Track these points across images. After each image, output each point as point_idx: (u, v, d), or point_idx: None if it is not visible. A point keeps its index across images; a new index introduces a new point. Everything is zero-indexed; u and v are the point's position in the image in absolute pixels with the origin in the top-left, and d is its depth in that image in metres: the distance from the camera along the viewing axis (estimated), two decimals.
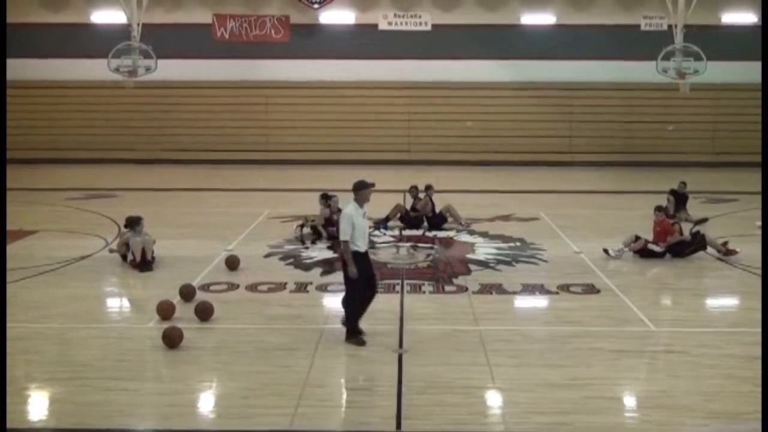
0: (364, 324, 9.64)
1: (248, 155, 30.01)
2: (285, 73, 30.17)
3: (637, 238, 14.36)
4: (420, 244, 14.70)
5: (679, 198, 18.13)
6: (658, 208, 14.97)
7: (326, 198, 15.85)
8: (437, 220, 17.15)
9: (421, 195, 17.45)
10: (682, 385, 8.22)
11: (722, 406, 7.65)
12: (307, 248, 14.91)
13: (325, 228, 15.51)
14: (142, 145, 30.10)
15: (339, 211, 15.73)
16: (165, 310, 10.34)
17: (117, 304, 11.69)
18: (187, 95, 30.42)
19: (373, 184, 9.48)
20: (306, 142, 30.31)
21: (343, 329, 9.46)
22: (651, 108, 30.39)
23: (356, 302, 9.26)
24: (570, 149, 30.54)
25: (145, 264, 13.09)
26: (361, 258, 9.25)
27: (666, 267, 13.77)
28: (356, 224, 9.14)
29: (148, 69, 26.18)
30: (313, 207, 16.35)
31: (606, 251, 14.22)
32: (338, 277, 12.70)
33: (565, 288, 12.07)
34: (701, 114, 30.21)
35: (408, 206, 17.35)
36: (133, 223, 13.49)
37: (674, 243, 14.27)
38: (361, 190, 9.26)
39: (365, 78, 30.19)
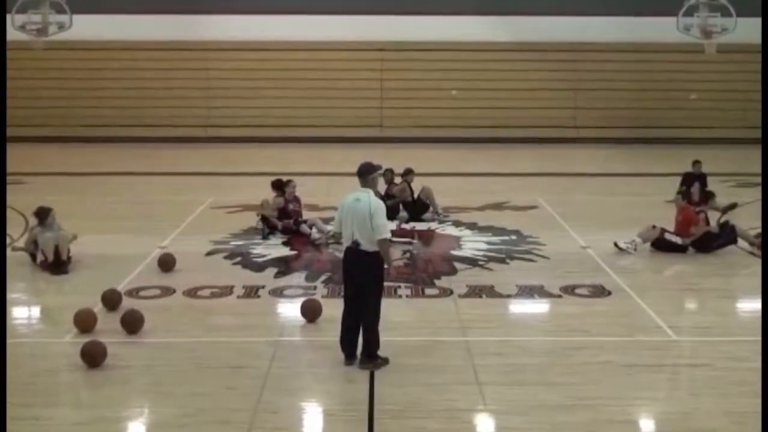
0: (323, 334, 9.57)
1: (185, 131, 29.84)
2: (229, 32, 29.98)
3: (654, 228, 14.47)
4: (395, 239, 14.69)
5: (694, 181, 18.30)
6: (681, 194, 15.10)
7: (280, 185, 15.79)
8: (417, 208, 17.19)
9: (398, 180, 17.46)
10: (707, 404, 8.30)
11: (754, 430, 7.74)
12: (258, 244, 14.87)
13: (279, 220, 15.46)
14: (56, 120, 29.77)
15: (296, 199, 15.74)
16: (84, 321, 10.24)
17: (25, 315, 11.56)
18: (109, 58, 30.14)
19: (380, 167, 9.52)
20: (256, 116, 30.19)
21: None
22: (670, 74, 30.63)
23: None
24: (574, 123, 30.70)
25: (59, 265, 12.97)
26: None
27: (689, 263, 13.90)
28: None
29: (61, 26, 25.88)
30: (265, 194, 16.28)
31: (617, 245, 14.33)
32: (296, 279, 12.77)
33: (569, 290, 12.14)
34: (730, 81, 30.48)
35: (382, 192, 17.32)
36: (42, 215, 13.35)
37: (699, 235, 14.40)
38: (370, 175, 9.26)
39: (328, 37, 30.10)
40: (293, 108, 30.16)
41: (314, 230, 15.18)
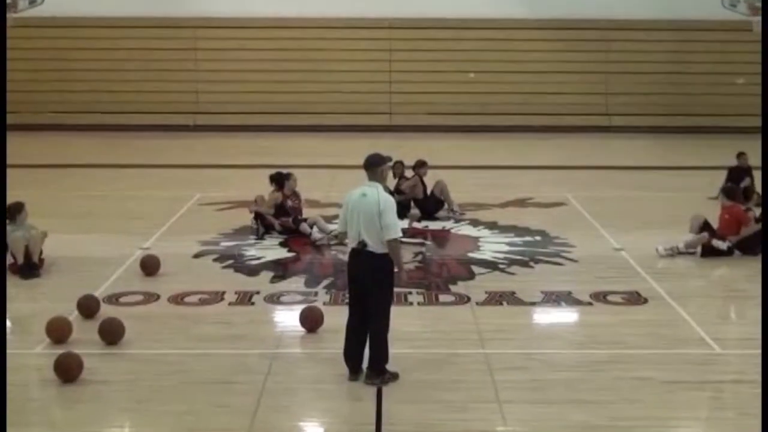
0: (325, 346, 9.57)
1: (171, 119, 29.83)
2: (219, 6, 30.03)
3: (706, 227, 14.30)
4: (406, 239, 14.66)
5: (743, 175, 18.23)
6: (726, 192, 14.99)
7: (279, 179, 15.78)
8: (430, 205, 17.17)
9: (409, 173, 17.43)
10: (755, 426, 8.25)
11: None
12: (252, 245, 14.87)
13: (276, 218, 15.45)
14: (24, 106, 29.67)
15: (295, 194, 15.74)
16: (58, 331, 10.24)
17: None
18: (86, 37, 30.15)
19: (389, 159, 9.51)
20: (249, 101, 30.17)
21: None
22: (713, 54, 30.53)
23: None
24: (606, 110, 30.64)
25: (29, 268, 12.97)
26: None
27: (735, 268, 13.85)
28: None
29: (32, 1, 25.88)
30: (260, 189, 16.28)
31: (657, 251, 14.24)
32: (294, 284, 12.76)
33: (600, 297, 12.11)
34: None
35: (391, 188, 17.32)
36: (13, 212, 13.35)
37: (748, 236, 14.31)
38: (379, 167, 9.24)
39: (330, 13, 30.10)
40: (291, 93, 30.14)
41: (315, 230, 15.16)
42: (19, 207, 13.43)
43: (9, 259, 13.09)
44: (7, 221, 13.31)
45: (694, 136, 28.68)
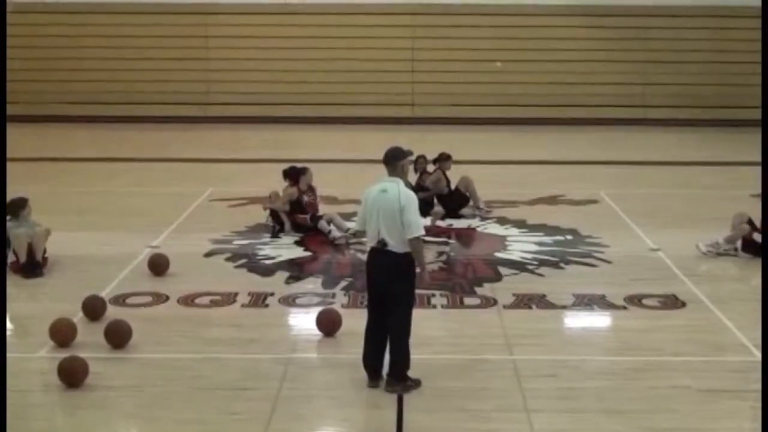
0: (343, 351, 9.57)
1: (181, 110, 29.93)
2: None
3: (749, 225, 14.27)
4: (429, 238, 14.68)
5: None
6: None
7: (294, 174, 15.79)
8: (455, 201, 17.15)
9: (431, 168, 17.39)
10: None
11: None
12: (266, 244, 14.90)
13: (290, 215, 15.45)
14: (25, 96, 29.84)
15: (311, 189, 15.72)
16: (62, 333, 10.28)
17: None
18: (90, 24, 30.21)
19: (410, 153, 9.52)
20: (263, 92, 30.20)
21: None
22: (755, 43, 30.29)
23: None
24: (642, 101, 30.51)
25: (32, 267, 13.03)
26: None
27: None
28: None
29: None
30: (275, 184, 16.29)
31: (698, 248, 14.23)
32: (311, 285, 12.78)
33: (635, 300, 12.09)
34: None
35: (413, 183, 17.29)
36: (16, 207, 13.41)
37: None
38: (400, 161, 9.25)
39: None
40: (308, 83, 30.13)
41: (333, 227, 15.15)
42: (22, 203, 13.47)
43: (11, 257, 13.15)
44: (9, 218, 13.37)
45: (736, 130, 28.51)
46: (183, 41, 30.43)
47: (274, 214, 15.63)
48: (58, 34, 30.22)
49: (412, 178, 16.82)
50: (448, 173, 17.36)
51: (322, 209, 16.01)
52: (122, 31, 30.20)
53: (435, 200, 17.07)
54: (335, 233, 15.06)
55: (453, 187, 17.33)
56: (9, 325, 11.53)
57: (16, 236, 13.07)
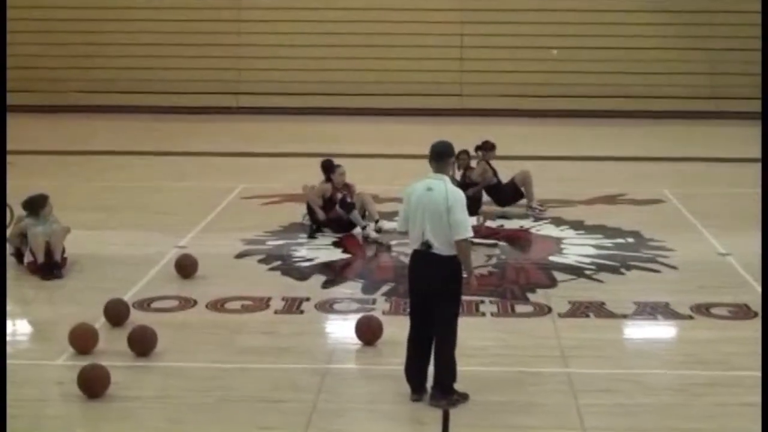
0: (384, 361, 9.58)
1: (209, 99, 30.05)
2: None
3: None
4: (477, 240, 14.68)
5: None
6: None
7: (328, 168, 15.79)
8: (507, 193, 17.08)
9: (474, 162, 17.28)
10: None
11: None
12: (302, 244, 14.95)
13: (325, 212, 15.40)
14: (42, 84, 30.11)
15: (347, 186, 15.69)
16: (82, 339, 10.35)
17: (9, 330, 11.70)
18: (113, 6, 30.32)
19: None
20: (300, 80, 30.25)
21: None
22: None
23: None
24: (712, 93, 30.27)
25: (50, 267, 13.10)
26: None
27: None
28: None
29: None
30: (313, 178, 16.26)
31: None
32: (350, 290, 12.80)
33: (702, 309, 12.01)
34: None
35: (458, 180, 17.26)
36: (35, 205, 13.51)
37: None
38: (450, 157, 9.31)
39: None
40: (347, 71, 30.09)
41: (370, 230, 15.09)
42: (42, 201, 13.53)
43: (28, 257, 13.25)
44: (28, 215, 13.47)
45: None
46: (212, 25, 30.50)
47: (310, 211, 15.61)
48: (78, 17, 30.34)
49: (456, 175, 16.82)
50: (493, 164, 17.26)
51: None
52: (147, 15, 30.32)
53: (484, 194, 17.00)
54: (371, 232, 15.02)
55: (500, 178, 17.24)
56: (26, 329, 11.68)
57: (33, 235, 13.15)
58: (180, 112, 29.12)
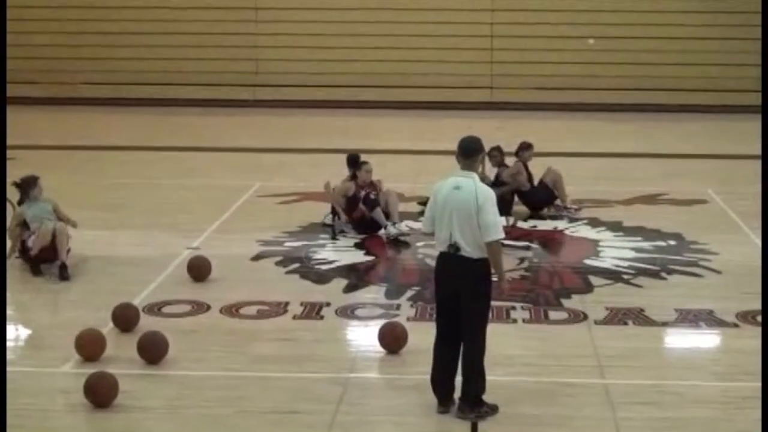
0: (408, 370, 9.59)
1: (227, 92, 30.19)
2: None
3: None
4: (508, 242, 14.66)
5: None
6: None
7: (353, 164, 15.77)
8: (539, 196, 17.05)
9: (509, 161, 17.27)
10: None
11: None
12: (322, 246, 14.96)
13: (348, 212, 15.40)
14: (53, 76, 30.29)
15: (372, 185, 15.67)
16: (89, 346, 10.36)
17: (10, 335, 11.73)
18: None
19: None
20: (319, 72, 30.32)
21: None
22: None
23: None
24: (758, 85, 30.09)
25: (60, 269, 13.07)
26: None
27: None
28: None
29: None
30: (336, 175, 16.27)
31: None
32: (373, 294, 12.79)
33: (748, 317, 11.93)
34: None
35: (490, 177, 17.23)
36: (26, 186, 13.49)
37: None
38: (479, 154, 9.29)
39: None
40: (370, 62, 30.20)
41: (391, 226, 15.06)
42: (32, 181, 13.58)
43: (28, 239, 13.19)
44: (20, 198, 13.51)
45: None
46: (229, 13, 30.58)
47: (334, 210, 15.59)
48: (88, 5, 30.50)
49: (491, 172, 16.80)
50: (528, 164, 17.20)
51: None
52: (158, 3, 30.49)
53: (515, 196, 16.96)
54: (392, 230, 15.00)
55: (536, 181, 17.22)
56: (30, 334, 11.71)
57: (44, 231, 13.04)
58: (194, 105, 29.28)
